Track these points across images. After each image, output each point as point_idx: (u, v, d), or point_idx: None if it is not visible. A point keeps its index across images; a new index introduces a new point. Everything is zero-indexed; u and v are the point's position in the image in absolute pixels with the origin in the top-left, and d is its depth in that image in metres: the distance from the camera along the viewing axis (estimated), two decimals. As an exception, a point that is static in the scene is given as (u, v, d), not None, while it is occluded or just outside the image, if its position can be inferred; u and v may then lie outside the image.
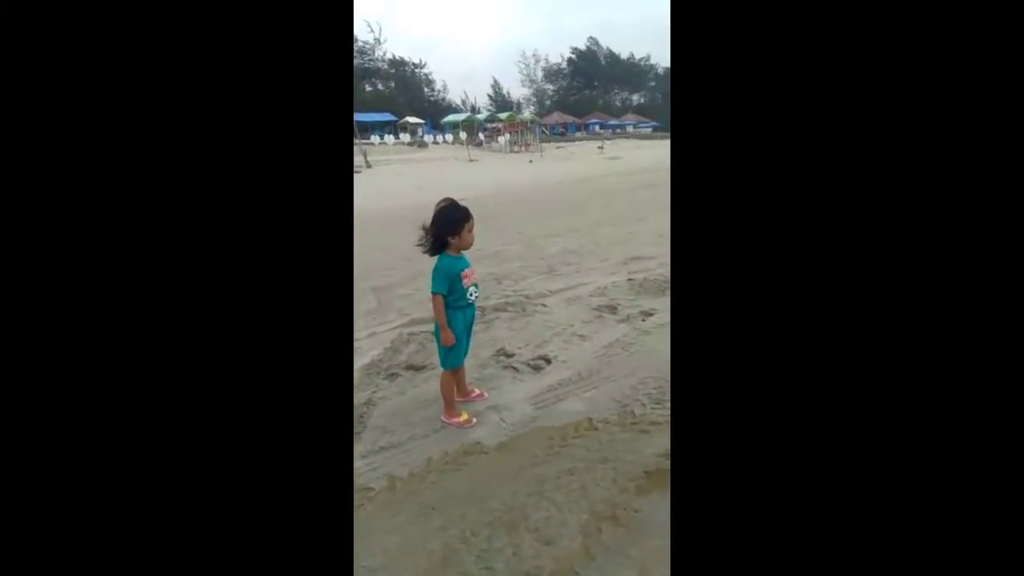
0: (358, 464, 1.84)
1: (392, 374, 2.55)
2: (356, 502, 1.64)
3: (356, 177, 14.56)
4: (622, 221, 6.49)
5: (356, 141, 19.93)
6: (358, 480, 1.75)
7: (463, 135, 29.73)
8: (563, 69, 56.90)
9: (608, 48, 58.25)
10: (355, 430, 2.06)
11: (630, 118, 47.79)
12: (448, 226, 1.93)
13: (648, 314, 3.12)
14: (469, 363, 2.43)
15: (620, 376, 2.37)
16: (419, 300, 3.65)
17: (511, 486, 1.68)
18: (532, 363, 2.59)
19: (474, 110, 44.96)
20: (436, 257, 1.96)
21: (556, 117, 42.40)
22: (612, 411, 2.08)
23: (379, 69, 46.28)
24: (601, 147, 25.88)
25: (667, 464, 1.69)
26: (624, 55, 58.79)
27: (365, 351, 2.82)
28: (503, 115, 31.69)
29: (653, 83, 58.63)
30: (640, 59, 59.00)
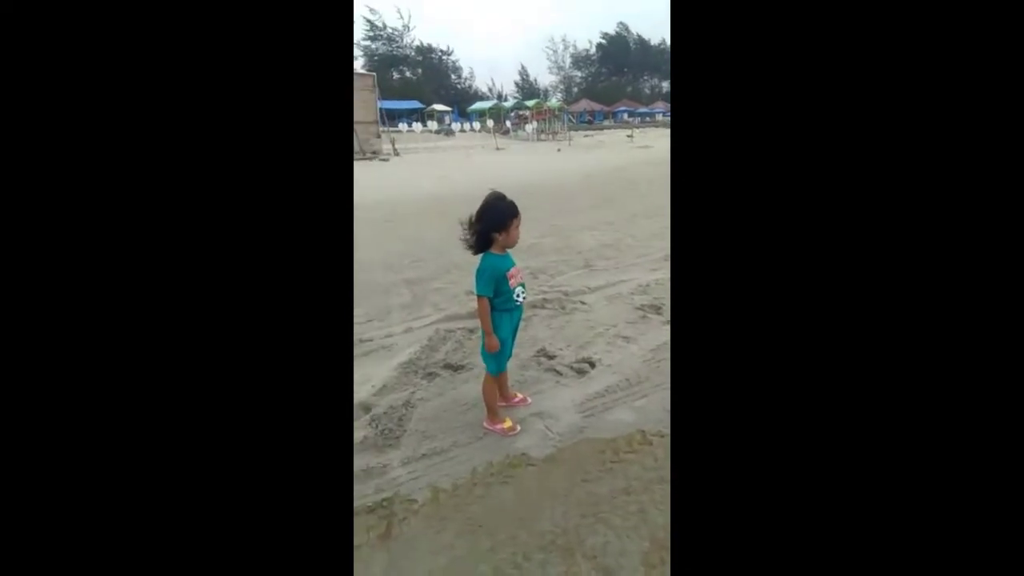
0: (399, 472, 1.75)
1: (430, 373, 2.46)
2: (399, 515, 1.56)
3: (383, 165, 14.59)
4: (659, 213, 6.24)
5: (384, 129, 19.95)
6: (399, 490, 1.66)
7: (490, 123, 29.50)
8: (592, 55, 55.79)
9: (638, 34, 56.92)
10: (395, 434, 1.98)
11: (659, 105, 46.51)
12: (495, 222, 1.80)
13: (696, 315, 2.95)
14: (510, 364, 2.32)
15: (672, 384, 2.23)
16: (453, 294, 3.55)
17: (563, 505, 1.57)
18: (575, 366, 2.46)
19: (501, 97, 44.61)
20: (480, 256, 1.83)
21: (584, 104, 41.69)
22: (666, 424, 1.94)
23: (407, 56, 46.24)
24: (630, 135, 25.24)
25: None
26: (655, 41, 57.27)
27: (402, 347, 2.73)
28: (530, 103, 31.25)
29: (684, 70, 56.80)
30: (671, 45, 57.27)
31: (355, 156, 15.87)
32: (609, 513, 1.52)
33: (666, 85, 57.92)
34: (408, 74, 45.94)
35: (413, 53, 46.80)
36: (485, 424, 1.99)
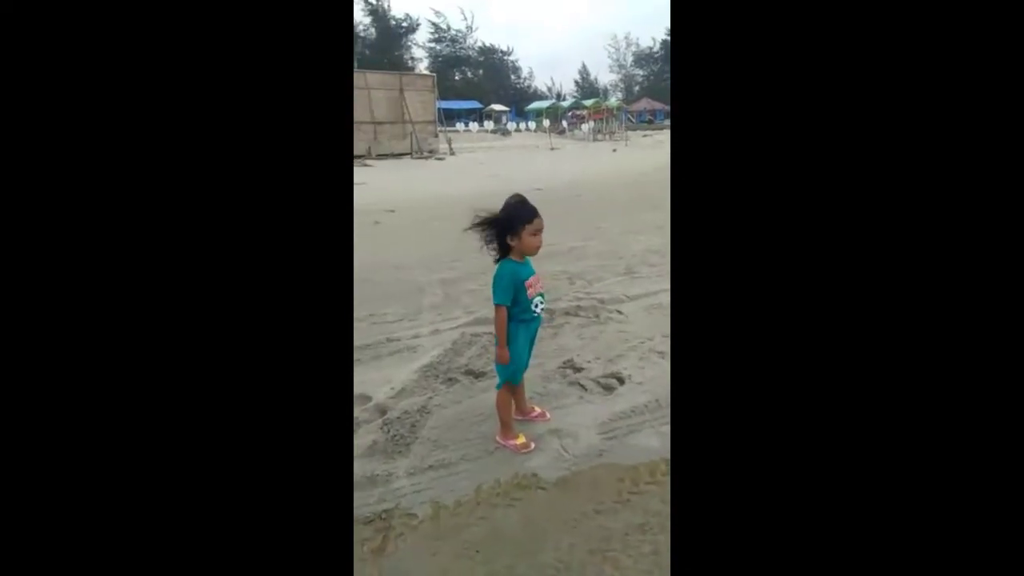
0: (403, 483, 1.69)
1: (450, 378, 2.39)
2: (397, 529, 1.49)
3: (438, 164, 14.87)
4: (713, 219, 5.88)
5: (441, 129, 20.35)
6: (401, 502, 1.60)
7: (546, 122, 29.37)
8: (655, 53, 54.04)
9: (706, 29, 54.42)
10: (406, 440, 1.92)
11: (726, 105, 44.40)
12: (503, 226, 1.69)
13: (743, 333, 2.70)
14: (532, 374, 2.21)
15: (706, 408, 2.03)
16: (486, 296, 3.44)
17: (569, 536, 1.44)
18: (602, 381, 2.31)
19: (559, 97, 44.32)
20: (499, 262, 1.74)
21: (644, 104, 40.61)
22: (695, 453, 1.76)
23: (469, 57, 46.95)
24: (692, 136, 24.20)
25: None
26: (724, 36, 54.61)
27: (427, 350, 2.69)
28: (588, 102, 30.80)
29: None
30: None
31: (412, 154, 16.35)
32: (620, 552, 1.38)
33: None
34: (469, 74, 46.64)
35: (475, 54, 47.45)
36: (498, 438, 1.89)
